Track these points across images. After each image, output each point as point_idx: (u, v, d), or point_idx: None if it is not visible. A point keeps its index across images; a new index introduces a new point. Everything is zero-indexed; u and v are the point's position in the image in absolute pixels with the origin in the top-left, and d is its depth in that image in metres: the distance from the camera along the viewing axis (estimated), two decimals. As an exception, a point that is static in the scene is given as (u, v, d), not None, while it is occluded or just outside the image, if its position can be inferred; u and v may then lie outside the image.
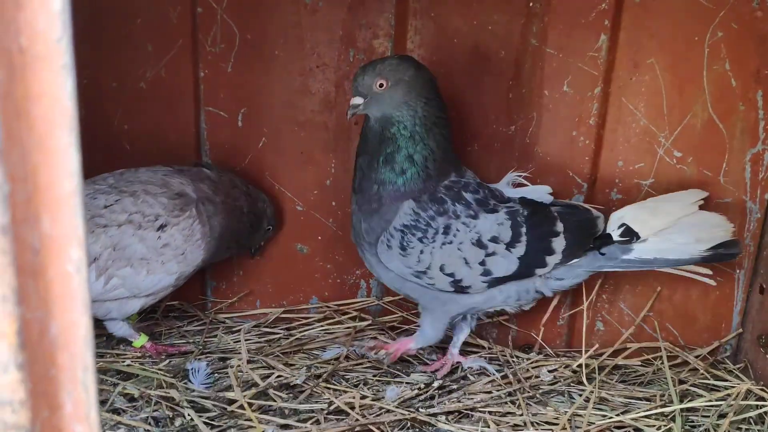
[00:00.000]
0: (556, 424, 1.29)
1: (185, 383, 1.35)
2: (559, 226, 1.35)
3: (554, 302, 1.57)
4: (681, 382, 1.45)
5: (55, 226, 0.39)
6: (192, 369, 1.37)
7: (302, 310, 1.66)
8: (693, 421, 1.32)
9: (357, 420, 1.26)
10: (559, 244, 1.35)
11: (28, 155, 0.38)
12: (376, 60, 1.34)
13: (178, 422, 1.23)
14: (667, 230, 1.36)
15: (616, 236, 1.36)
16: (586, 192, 1.52)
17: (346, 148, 1.57)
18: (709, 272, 1.44)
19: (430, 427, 1.28)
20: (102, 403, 1.27)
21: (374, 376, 1.45)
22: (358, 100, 1.31)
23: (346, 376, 1.44)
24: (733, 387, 1.39)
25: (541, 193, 1.41)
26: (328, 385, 1.38)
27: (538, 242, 1.35)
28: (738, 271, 1.53)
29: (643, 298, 1.56)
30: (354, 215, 1.41)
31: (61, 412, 0.42)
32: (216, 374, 1.41)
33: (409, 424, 1.27)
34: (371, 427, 1.25)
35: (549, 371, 1.47)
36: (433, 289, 1.37)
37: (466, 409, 1.33)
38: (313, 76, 1.54)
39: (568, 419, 1.30)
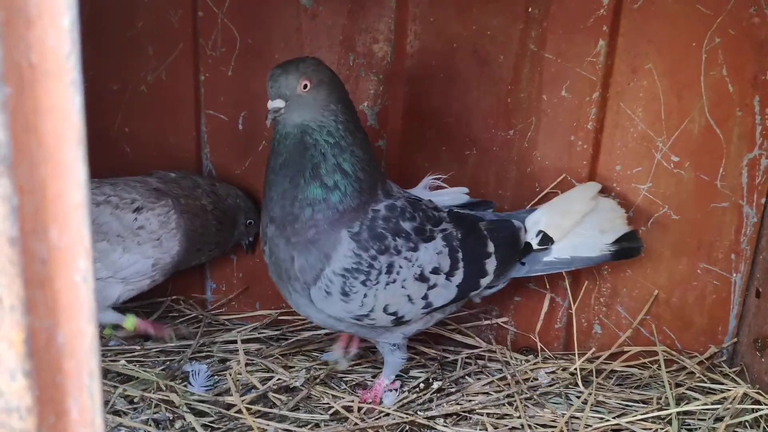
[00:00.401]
0: (554, 427, 1.30)
1: (185, 385, 1.36)
2: (491, 246, 1.32)
3: (546, 304, 1.57)
4: (678, 385, 1.46)
5: (63, 237, 0.40)
6: (192, 371, 1.38)
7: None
8: (689, 425, 1.33)
9: (356, 424, 1.26)
10: (491, 265, 1.32)
11: (37, 168, 0.39)
12: (294, 60, 1.20)
13: (178, 424, 1.23)
14: (576, 229, 1.38)
15: (535, 245, 1.37)
16: (584, 196, 1.53)
17: (346, 152, 1.58)
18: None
19: (429, 430, 1.29)
20: (103, 404, 1.28)
21: (373, 376, 1.46)
22: (279, 103, 1.16)
23: (345, 378, 1.45)
24: (730, 390, 1.40)
25: (459, 195, 1.38)
26: (326, 389, 1.39)
27: (474, 266, 1.30)
28: (735, 275, 1.54)
29: (640, 301, 1.57)
30: (278, 249, 1.22)
31: (67, 418, 0.43)
32: (216, 376, 1.42)
33: (407, 428, 1.28)
34: (369, 431, 1.25)
35: (546, 373, 1.48)
36: (373, 327, 1.29)
37: (464, 412, 1.34)
38: (313, 80, 1.55)
39: (566, 422, 1.31)
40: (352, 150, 1.19)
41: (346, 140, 1.19)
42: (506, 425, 1.31)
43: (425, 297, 1.27)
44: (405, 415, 1.29)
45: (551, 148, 1.52)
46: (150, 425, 1.23)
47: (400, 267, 1.22)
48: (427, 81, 1.52)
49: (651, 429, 1.30)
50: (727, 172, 1.48)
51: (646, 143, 1.49)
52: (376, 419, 1.29)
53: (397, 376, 1.44)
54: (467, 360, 1.53)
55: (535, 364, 1.52)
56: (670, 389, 1.40)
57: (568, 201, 1.41)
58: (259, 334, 1.59)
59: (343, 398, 1.36)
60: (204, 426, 1.24)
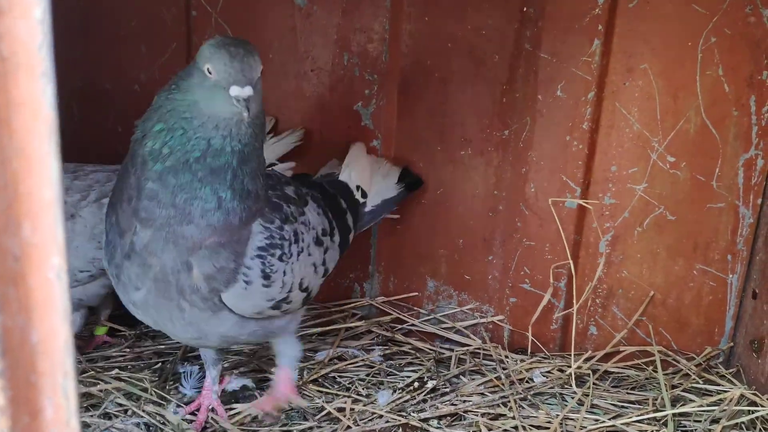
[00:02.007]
0: (548, 428, 1.29)
1: (177, 387, 1.35)
2: (342, 203, 1.32)
3: (542, 305, 1.56)
4: (674, 386, 1.45)
5: (36, 233, 0.39)
6: (184, 373, 1.37)
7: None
8: (685, 426, 1.33)
9: (348, 428, 1.25)
10: (350, 220, 1.32)
11: (8, 163, 0.38)
12: (236, 39, 1.03)
13: (169, 428, 1.23)
14: (373, 181, 1.43)
15: (360, 199, 1.40)
16: (579, 197, 1.52)
17: (340, 151, 1.57)
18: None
19: (422, 432, 1.28)
20: (94, 407, 1.27)
21: (367, 375, 1.45)
22: (250, 91, 0.97)
23: (338, 378, 1.44)
24: (726, 392, 1.39)
25: (287, 170, 1.38)
26: (320, 389, 1.39)
27: (341, 223, 1.27)
28: (731, 276, 1.53)
29: (636, 302, 1.56)
30: (160, 260, 1.03)
31: (42, 418, 0.42)
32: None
33: (400, 431, 1.27)
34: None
35: (542, 373, 1.48)
36: (284, 315, 1.18)
37: (458, 412, 1.33)
38: (307, 80, 1.54)
39: (560, 423, 1.30)
40: (260, 139, 1.08)
41: (261, 129, 1.08)
42: (500, 426, 1.30)
43: (324, 262, 1.21)
44: (398, 418, 1.28)
45: (546, 148, 1.51)
46: (141, 428, 1.22)
47: (302, 233, 1.14)
48: (421, 81, 1.51)
49: (646, 430, 1.29)
50: (723, 172, 1.48)
51: (642, 143, 1.48)
52: (369, 420, 1.29)
53: (389, 374, 1.44)
54: (462, 357, 1.52)
55: (530, 364, 1.51)
56: (666, 390, 1.39)
57: (356, 160, 1.45)
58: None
59: (338, 396, 1.35)
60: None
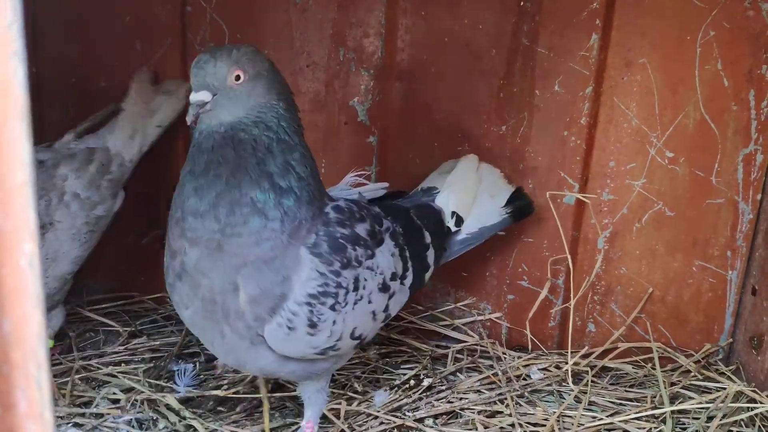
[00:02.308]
0: (545, 426, 1.28)
1: (171, 384, 1.34)
2: (427, 237, 1.21)
3: (539, 302, 1.55)
4: (672, 384, 1.44)
5: (8, 219, 0.38)
6: (178, 370, 1.36)
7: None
8: (684, 423, 1.31)
9: (342, 431, 1.24)
10: (431, 257, 1.21)
11: (-22, 145, 0.37)
12: (227, 46, 1.03)
13: (161, 424, 1.21)
14: (475, 204, 1.36)
15: (453, 227, 1.31)
16: (577, 193, 1.51)
17: (337, 148, 1.56)
18: None
19: None
20: (86, 404, 1.26)
21: (363, 372, 1.43)
22: (204, 96, 0.96)
23: (335, 377, 1.42)
24: (725, 389, 1.38)
25: (379, 190, 1.27)
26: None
27: (418, 262, 1.17)
28: (730, 272, 1.52)
29: (634, 299, 1.55)
30: (208, 278, 0.99)
31: (15, 411, 0.41)
32: (202, 375, 1.40)
33: (396, 431, 1.26)
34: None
35: (539, 370, 1.46)
36: (329, 358, 1.10)
37: (454, 410, 1.32)
38: (303, 76, 1.53)
39: (557, 420, 1.29)
40: (302, 152, 1.02)
41: (293, 139, 1.01)
42: (497, 424, 1.28)
43: (386, 309, 1.12)
44: (394, 419, 1.27)
45: (544, 143, 1.50)
46: (133, 426, 1.20)
47: (365, 280, 1.05)
48: (418, 76, 1.50)
49: (645, 428, 1.28)
50: (722, 167, 1.46)
51: (640, 139, 1.47)
52: (364, 422, 1.27)
53: (385, 372, 1.43)
54: (458, 355, 1.51)
55: (527, 361, 1.50)
56: (665, 387, 1.38)
57: (462, 178, 1.38)
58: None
59: (332, 395, 1.34)
60: (188, 426, 1.22)
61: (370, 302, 1.07)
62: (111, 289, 1.67)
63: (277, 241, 0.97)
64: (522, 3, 1.43)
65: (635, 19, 1.41)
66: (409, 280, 1.15)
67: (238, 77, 0.97)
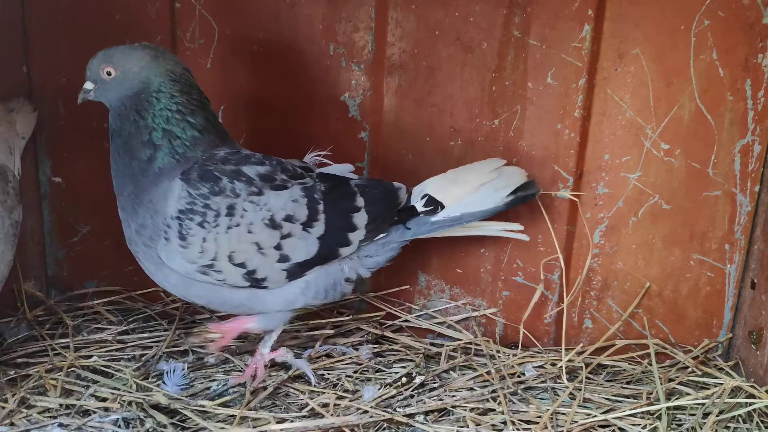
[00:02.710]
0: (538, 423, 1.25)
1: (158, 384, 1.32)
2: (360, 201, 1.30)
3: (536, 296, 1.53)
4: (670, 380, 1.41)
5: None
6: (167, 370, 1.35)
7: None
8: (680, 420, 1.28)
9: (333, 423, 1.22)
10: (361, 219, 1.29)
11: None
12: (117, 46, 1.26)
13: (148, 423, 1.20)
14: (470, 196, 1.36)
15: (420, 207, 1.34)
16: (572, 186, 1.48)
17: (328, 144, 1.53)
18: (520, 227, 1.44)
19: (407, 428, 1.24)
20: (71, 405, 1.25)
21: (355, 372, 1.41)
22: (88, 85, 1.26)
23: (326, 375, 1.41)
24: (722, 384, 1.35)
25: (345, 171, 1.37)
26: (306, 386, 1.36)
27: (339, 219, 1.27)
28: (729, 265, 1.49)
29: (631, 294, 1.52)
30: (123, 221, 1.27)
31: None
32: (192, 375, 1.38)
33: (385, 425, 1.24)
34: (344, 429, 1.21)
35: (534, 368, 1.44)
36: (225, 286, 1.25)
37: (446, 407, 1.30)
38: (293, 71, 1.52)
39: (550, 417, 1.26)
40: (176, 117, 1.22)
41: (169, 111, 1.21)
42: (488, 421, 1.26)
43: (279, 247, 1.23)
44: (383, 413, 1.25)
45: (537, 137, 1.48)
46: (119, 425, 1.19)
47: (245, 210, 1.20)
48: (409, 70, 1.48)
49: (640, 425, 1.25)
50: (719, 159, 1.43)
51: (635, 131, 1.44)
52: (353, 415, 1.25)
53: (378, 371, 1.41)
54: (452, 353, 1.49)
55: (522, 358, 1.48)
56: (661, 384, 1.35)
57: (464, 171, 1.40)
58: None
59: (322, 393, 1.33)
60: (174, 424, 1.20)
61: (250, 232, 1.21)
62: (101, 284, 1.67)
63: (143, 185, 1.21)
64: (513, -6, 1.41)
65: (628, 10, 1.38)
66: (318, 231, 1.25)
67: (108, 72, 1.23)
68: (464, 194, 1.36)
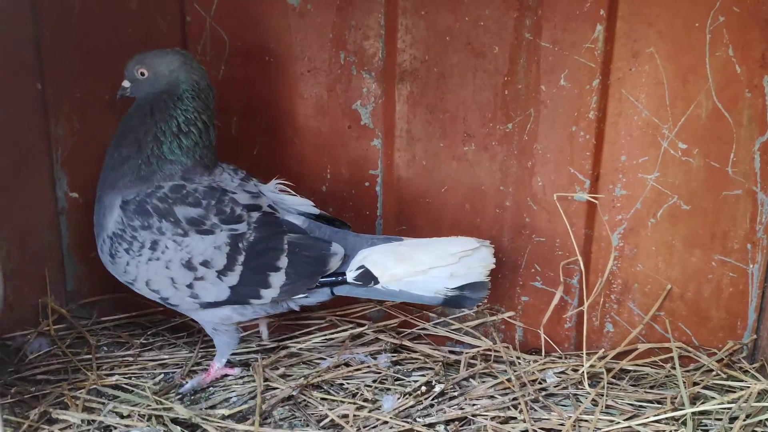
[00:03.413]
0: (560, 431, 1.24)
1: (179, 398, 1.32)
2: (283, 261, 1.29)
3: (556, 299, 1.51)
4: (694, 383, 1.38)
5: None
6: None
7: (302, 318, 1.63)
8: (705, 425, 1.26)
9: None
10: (278, 279, 1.29)
11: None
12: (153, 50, 1.34)
13: (168, 436, 1.20)
14: (414, 276, 1.29)
15: (351, 278, 1.31)
16: (588, 189, 1.47)
17: (341, 154, 1.54)
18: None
19: (428, 438, 1.24)
20: (92, 421, 1.25)
21: (374, 381, 1.41)
22: (125, 83, 1.36)
23: (345, 385, 1.40)
24: (749, 388, 1.32)
25: (306, 205, 1.37)
26: (325, 396, 1.35)
27: (254, 275, 1.28)
28: (752, 265, 1.46)
29: (653, 297, 1.50)
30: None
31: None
32: (211, 388, 1.38)
33: (405, 436, 1.23)
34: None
35: (555, 374, 1.42)
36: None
37: (466, 416, 1.28)
38: (304, 81, 1.52)
39: (572, 425, 1.25)
40: (163, 130, 1.29)
41: (167, 123, 1.29)
42: (510, 430, 1.25)
43: (191, 286, 1.28)
44: (403, 423, 1.24)
45: (552, 140, 1.46)
46: (140, 438, 1.19)
47: (166, 248, 1.27)
48: (420, 76, 1.47)
49: (664, 431, 1.23)
50: (738, 157, 1.41)
51: (652, 131, 1.42)
52: (373, 427, 1.24)
53: (397, 380, 1.40)
54: (471, 361, 1.47)
55: (543, 364, 1.46)
56: (685, 388, 1.33)
57: (420, 248, 1.31)
58: (259, 343, 1.55)
59: (342, 403, 1.32)
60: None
61: (167, 268, 1.27)
62: (120, 299, 1.67)
63: (105, 188, 1.32)
64: (523, -3, 1.39)
65: (641, 8, 1.36)
66: (231, 281, 1.28)
67: (142, 73, 1.33)
68: (407, 274, 1.29)
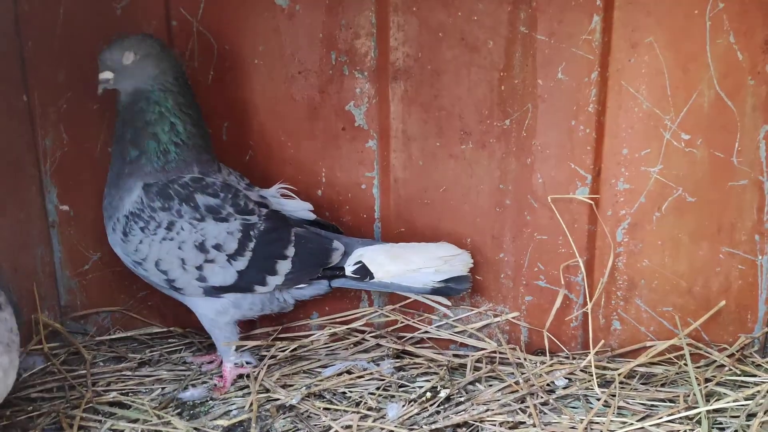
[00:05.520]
0: (571, 435, 1.20)
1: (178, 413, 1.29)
2: (290, 250, 1.36)
3: (559, 299, 1.47)
4: (707, 380, 1.35)
5: None
6: (187, 403, 1.31)
7: (303, 327, 1.59)
8: (721, 423, 1.22)
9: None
10: (284, 267, 1.36)
11: None
12: (122, 35, 1.34)
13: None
14: (406, 274, 1.39)
15: (349, 271, 1.39)
16: (590, 184, 1.43)
17: (336, 156, 1.51)
18: (448, 303, 1.53)
19: (435, 446, 1.20)
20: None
21: (378, 388, 1.37)
22: (107, 75, 1.31)
23: (348, 393, 1.36)
24: (764, 383, 1.28)
25: (304, 210, 1.43)
26: (328, 405, 1.31)
27: (263, 261, 1.34)
28: (761, 257, 1.42)
29: (660, 293, 1.46)
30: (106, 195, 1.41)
31: None
32: (211, 401, 1.35)
33: (411, 444, 1.20)
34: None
35: (564, 375, 1.38)
36: (150, 281, 1.38)
37: (473, 421, 1.25)
38: (295, 83, 1.48)
39: (585, 428, 1.21)
40: (173, 122, 1.32)
41: (171, 111, 1.32)
42: (519, 436, 1.21)
43: (200, 268, 1.32)
44: (408, 431, 1.20)
45: (551, 135, 1.42)
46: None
47: (182, 229, 1.31)
48: (414, 74, 1.44)
49: (679, 430, 1.19)
50: (743, 146, 1.37)
51: (653, 122, 1.39)
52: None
53: (401, 386, 1.36)
54: (477, 364, 1.43)
55: (550, 365, 1.42)
56: (698, 385, 1.29)
57: (411, 251, 1.42)
58: (260, 352, 1.51)
59: (346, 413, 1.28)
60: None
61: (180, 248, 1.31)
62: (115, 311, 1.64)
63: (122, 175, 1.34)
64: (517, -11, 1.36)
65: (638, -3, 1.33)
66: (239, 265, 1.34)
67: (132, 57, 1.30)
68: (399, 272, 1.39)
